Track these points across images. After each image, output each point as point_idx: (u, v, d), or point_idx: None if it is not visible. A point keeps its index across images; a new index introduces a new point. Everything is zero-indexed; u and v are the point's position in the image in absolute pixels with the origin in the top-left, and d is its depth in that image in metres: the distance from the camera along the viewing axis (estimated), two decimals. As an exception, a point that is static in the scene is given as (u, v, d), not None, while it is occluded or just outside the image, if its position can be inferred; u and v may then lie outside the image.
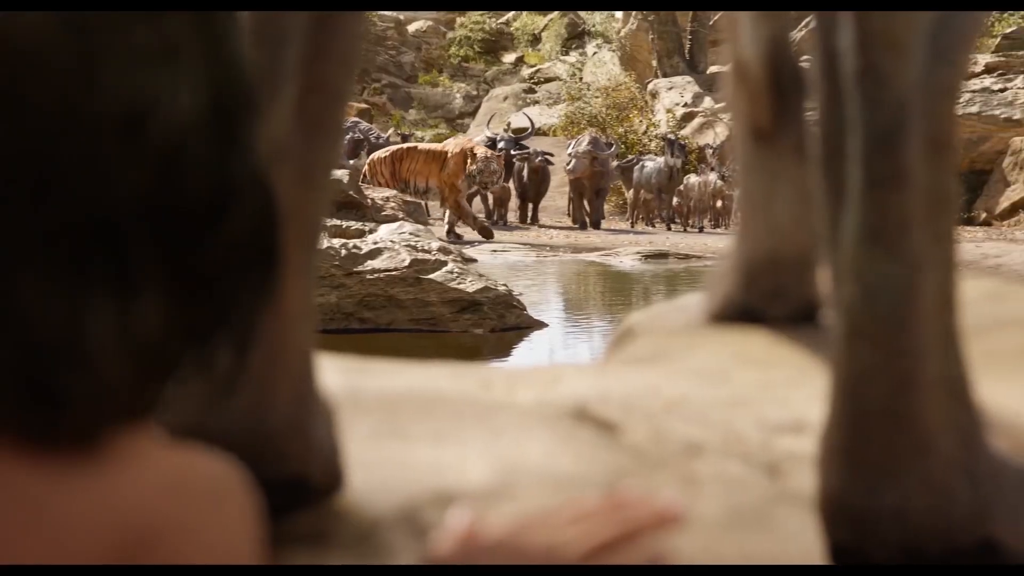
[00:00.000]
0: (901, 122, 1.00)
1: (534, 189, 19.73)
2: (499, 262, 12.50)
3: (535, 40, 36.27)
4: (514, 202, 19.89)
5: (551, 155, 19.88)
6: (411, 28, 36.01)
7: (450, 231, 16.15)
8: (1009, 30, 24.63)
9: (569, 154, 19.73)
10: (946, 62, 1.02)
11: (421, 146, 17.91)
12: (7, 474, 0.65)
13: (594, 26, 34.08)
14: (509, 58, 35.84)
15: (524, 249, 14.65)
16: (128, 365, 0.66)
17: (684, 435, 1.43)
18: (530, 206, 19.98)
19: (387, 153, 17.24)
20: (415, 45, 35.50)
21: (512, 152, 18.57)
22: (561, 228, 19.40)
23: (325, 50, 1.10)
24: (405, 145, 18.03)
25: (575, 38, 34.54)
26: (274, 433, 1.12)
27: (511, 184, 19.14)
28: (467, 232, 16.19)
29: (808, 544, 1.12)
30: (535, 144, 20.34)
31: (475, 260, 10.76)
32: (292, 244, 1.10)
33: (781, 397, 1.63)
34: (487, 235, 16.01)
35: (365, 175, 16.79)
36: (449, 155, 16.80)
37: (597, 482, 1.26)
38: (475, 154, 16.63)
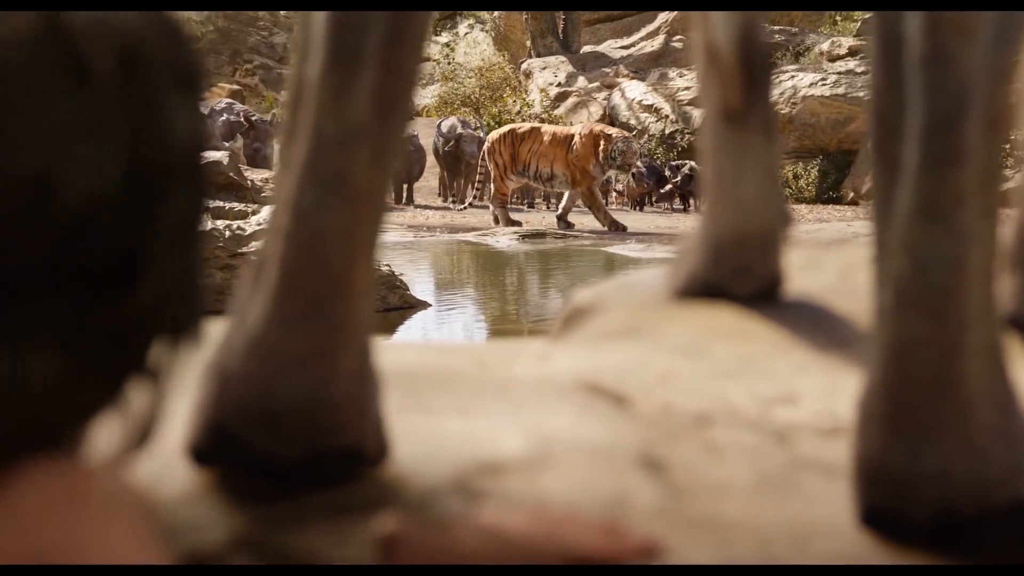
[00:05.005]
0: (963, 104, 1.06)
1: (408, 170, 19.57)
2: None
3: (406, 20, 36.00)
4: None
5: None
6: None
7: (612, 223, 15.38)
8: (868, 15, 25.28)
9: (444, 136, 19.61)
10: (1008, 44, 1.09)
11: (544, 127, 16.68)
12: None
13: (466, 6, 34.07)
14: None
15: (401, 230, 14.62)
16: (17, 413, 0.71)
17: (688, 407, 1.48)
18: (404, 187, 19.86)
19: (505, 132, 16.14)
20: (287, 26, 35.03)
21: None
22: (437, 208, 19.41)
23: (401, 35, 1.13)
24: (526, 125, 16.85)
25: (447, 18, 34.52)
26: (336, 405, 1.14)
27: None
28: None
29: (838, 507, 1.18)
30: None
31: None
32: (363, 222, 1.12)
33: (764, 370, 1.68)
34: (618, 228, 15.19)
35: (483, 156, 16.00)
36: (577, 136, 15.67)
37: (630, 450, 1.30)
38: (609, 135, 15.54)
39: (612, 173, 15.79)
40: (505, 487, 1.19)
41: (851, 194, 21.32)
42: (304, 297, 1.12)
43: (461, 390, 1.48)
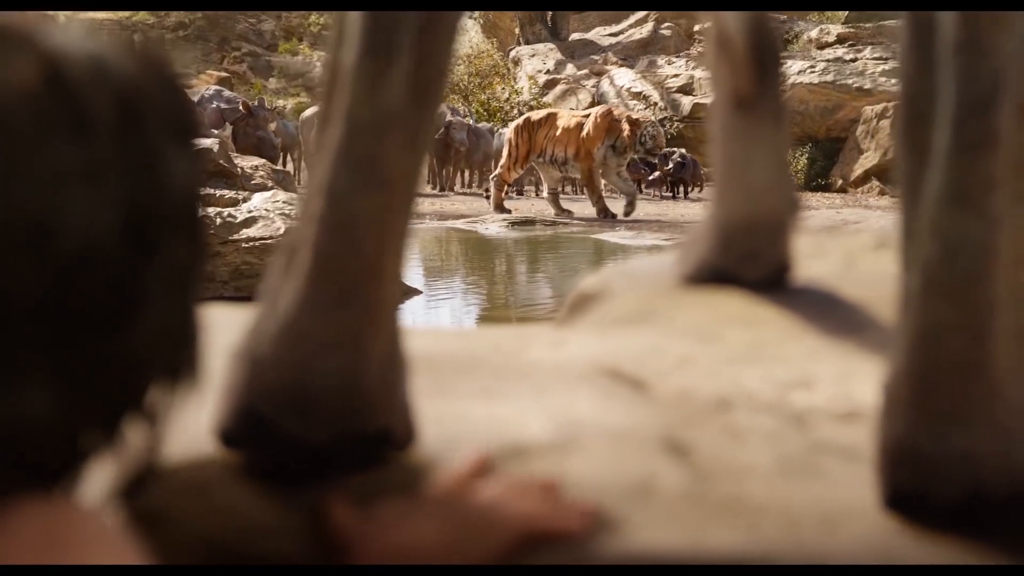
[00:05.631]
0: (997, 90, 1.07)
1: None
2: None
3: (395, 7, 36.01)
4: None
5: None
6: (271, -5, 35.44)
7: (603, 210, 15.45)
8: (857, 2, 25.40)
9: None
10: None
11: (561, 112, 16.81)
12: None
13: (454, -7, 34.01)
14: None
15: (391, 216, 14.53)
16: (10, 452, 0.73)
17: (705, 391, 1.49)
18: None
19: (521, 122, 16.13)
20: (275, 13, 34.98)
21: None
22: (426, 195, 19.41)
23: (435, 24, 1.13)
24: (542, 112, 16.84)
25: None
26: (367, 389, 1.15)
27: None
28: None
29: (860, 490, 1.19)
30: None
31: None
32: (395, 207, 1.13)
33: (777, 355, 1.69)
34: (608, 216, 15.27)
35: (508, 142, 15.94)
36: (592, 118, 15.67)
37: (653, 434, 1.31)
38: (635, 120, 15.57)
39: (636, 157, 15.87)
40: (532, 470, 1.20)
41: (839, 181, 21.38)
42: (337, 282, 1.13)
43: (483, 375, 1.49)
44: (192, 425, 1.14)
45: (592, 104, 22.54)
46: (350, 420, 1.15)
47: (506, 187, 16.18)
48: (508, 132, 16.36)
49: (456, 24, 1.17)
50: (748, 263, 1.99)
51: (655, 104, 23.50)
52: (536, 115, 16.28)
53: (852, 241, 2.42)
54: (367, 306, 1.14)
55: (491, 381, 1.46)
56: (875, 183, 20.62)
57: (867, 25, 23.96)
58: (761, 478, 1.24)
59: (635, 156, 16.02)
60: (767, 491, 1.20)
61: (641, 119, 15.70)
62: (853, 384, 1.52)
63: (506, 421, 1.31)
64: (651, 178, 20.40)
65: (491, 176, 16.59)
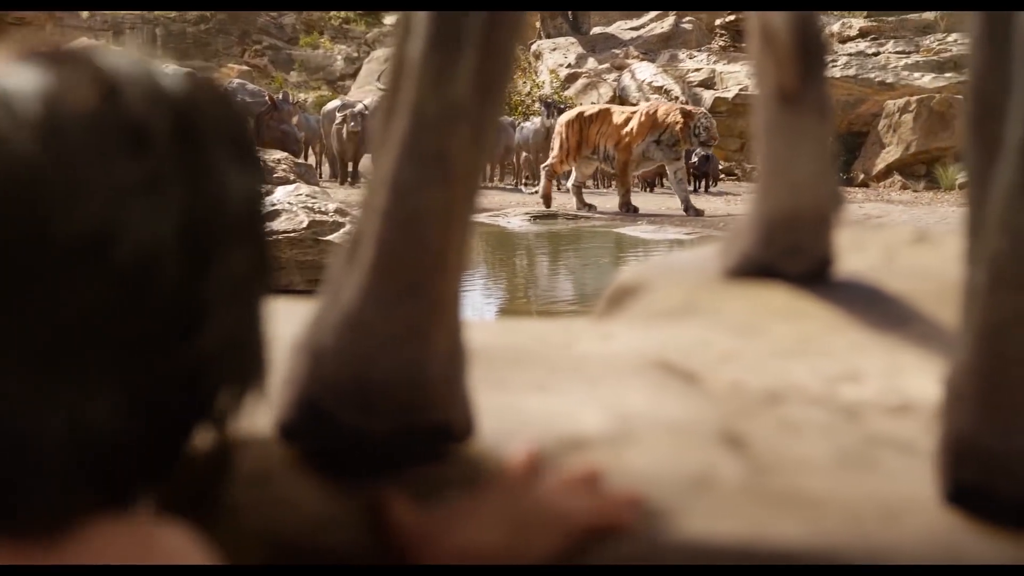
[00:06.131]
0: None
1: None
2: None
3: (415, 0, 36.04)
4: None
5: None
6: (292, -11, 35.51)
7: (626, 204, 15.62)
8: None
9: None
10: None
11: (614, 107, 17.05)
12: None
13: (475, -13, 34.00)
14: (390, 20, 35.37)
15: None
16: (79, 464, 0.73)
17: (756, 384, 1.49)
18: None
19: (572, 116, 16.29)
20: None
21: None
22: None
23: (502, 17, 1.13)
24: (595, 107, 17.12)
25: (456, -1, 34.43)
26: (429, 382, 1.15)
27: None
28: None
29: (917, 484, 1.19)
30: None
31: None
32: (460, 201, 1.13)
33: (823, 349, 1.69)
34: (630, 210, 15.45)
35: (558, 135, 16.08)
36: (638, 115, 15.89)
37: (709, 427, 1.31)
38: (688, 111, 15.80)
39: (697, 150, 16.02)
40: (590, 463, 1.20)
41: (861, 176, 21.30)
42: (401, 275, 1.13)
43: (534, 367, 1.49)
44: (253, 415, 1.14)
45: (613, 99, 22.52)
46: (412, 413, 1.15)
47: (556, 178, 16.31)
48: (559, 125, 16.45)
49: (521, 19, 1.17)
50: (791, 257, 1.98)
51: (676, 98, 23.43)
52: (589, 110, 16.41)
53: (891, 235, 2.41)
54: (430, 300, 1.14)
55: (543, 374, 1.46)
56: (897, 178, 20.55)
57: (889, 19, 23.85)
58: (818, 471, 1.24)
59: (689, 148, 16.12)
60: (826, 484, 1.20)
61: (694, 110, 15.81)
62: (901, 377, 1.52)
63: (561, 414, 1.31)
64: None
65: (542, 166, 16.69)
